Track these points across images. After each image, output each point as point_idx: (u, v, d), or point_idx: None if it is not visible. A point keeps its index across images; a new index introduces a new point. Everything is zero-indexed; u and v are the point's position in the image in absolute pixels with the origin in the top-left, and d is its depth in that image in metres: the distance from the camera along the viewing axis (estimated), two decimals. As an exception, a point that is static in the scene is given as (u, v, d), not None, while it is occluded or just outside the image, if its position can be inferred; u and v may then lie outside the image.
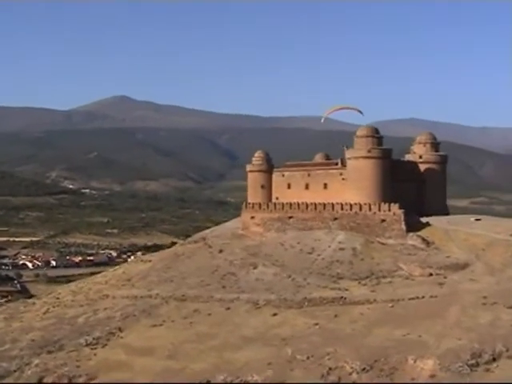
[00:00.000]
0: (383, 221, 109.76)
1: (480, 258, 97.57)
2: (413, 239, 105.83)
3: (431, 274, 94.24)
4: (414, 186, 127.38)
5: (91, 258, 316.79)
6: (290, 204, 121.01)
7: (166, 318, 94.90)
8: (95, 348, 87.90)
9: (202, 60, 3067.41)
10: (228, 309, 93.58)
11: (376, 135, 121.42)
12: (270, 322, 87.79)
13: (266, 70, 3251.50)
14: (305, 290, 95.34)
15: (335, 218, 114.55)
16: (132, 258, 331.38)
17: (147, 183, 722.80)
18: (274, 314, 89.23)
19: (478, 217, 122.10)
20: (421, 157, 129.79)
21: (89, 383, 77.34)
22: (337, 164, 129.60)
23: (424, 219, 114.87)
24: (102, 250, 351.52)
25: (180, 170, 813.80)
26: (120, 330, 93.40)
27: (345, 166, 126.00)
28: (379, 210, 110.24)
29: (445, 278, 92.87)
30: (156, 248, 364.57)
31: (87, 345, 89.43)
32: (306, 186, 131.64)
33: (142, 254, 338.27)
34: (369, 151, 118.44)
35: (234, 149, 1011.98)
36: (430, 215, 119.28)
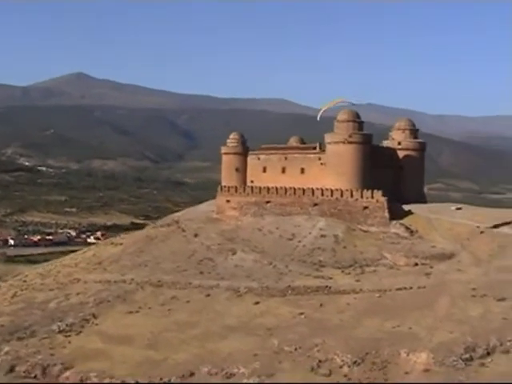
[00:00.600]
0: (365, 208, 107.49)
1: (465, 248, 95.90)
2: (396, 227, 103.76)
3: (416, 264, 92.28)
4: (392, 173, 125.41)
5: (50, 237, 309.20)
6: (268, 188, 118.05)
7: (143, 304, 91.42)
8: (69, 335, 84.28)
9: (162, 39, 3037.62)
10: (208, 296, 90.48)
11: (357, 120, 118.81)
12: (253, 310, 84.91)
13: (225, 51, 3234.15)
14: (287, 278, 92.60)
15: (315, 204, 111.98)
16: (92, 238, 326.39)
17: (104, 162, 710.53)
18: (257, 303, 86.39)
19: (458, 205, 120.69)
20: (399, 143, 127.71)
21: None
22: (315, 148, 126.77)
23: (405, 207, 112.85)
24: (61, 229, 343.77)
25: (138, 149, 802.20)
26: (94, 316, 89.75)
27: (323, 150, 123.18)
28: (361, 196, 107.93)
29: (431, 268, 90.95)
30: (116, 228, 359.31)
31: (60, 331, 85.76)
32: (283, 170, 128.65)
33: (102, 235, 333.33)
34: (350, 136, 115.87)
35: (192, 129, 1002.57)
36: (408, 203, 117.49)
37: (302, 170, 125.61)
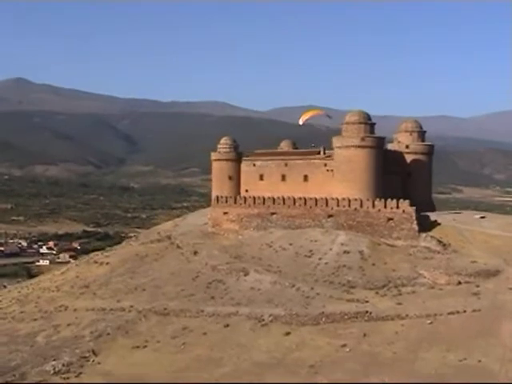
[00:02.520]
0: (390, 219, 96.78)
1: (510, 263, 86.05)
2: (426, 241, 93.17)
3: (460, 283, 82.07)
4: (399, 179, 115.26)
5: (1, 248, 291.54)
6: (273, 198, 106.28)
7: (149, 337, 79.38)
8: (67, 377, 72.14)
9: (102, 43, 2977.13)
10: (227, 326, 78.70)
11: (369, 121, 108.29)
12: (284, 343, 73.76)
13: (165, 54, 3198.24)
14: (316, 303, 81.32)
15: (330, 216, 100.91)
16: (44, 248, 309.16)
17: (47, 168, 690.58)
18: (287, 333, 75.24)
19: (482, 214, 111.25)
20: (407, 147, 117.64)
21: None
22: (319, 153, 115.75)
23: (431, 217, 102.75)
24: (11, 239, 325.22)
25: (80, 154, 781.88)
26: (94, 353, 77.44)
27: (328, 155, 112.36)
28: (385, 206, 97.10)
29: (477, 287, 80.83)
30: (68, 237, 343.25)
31: (56, 373, 74.05)
32: (283, 178, 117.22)
33: (55, 244, 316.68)
34: (362, 139, 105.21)
35: (133, 133, 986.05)
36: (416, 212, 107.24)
37: (305, 178, 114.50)
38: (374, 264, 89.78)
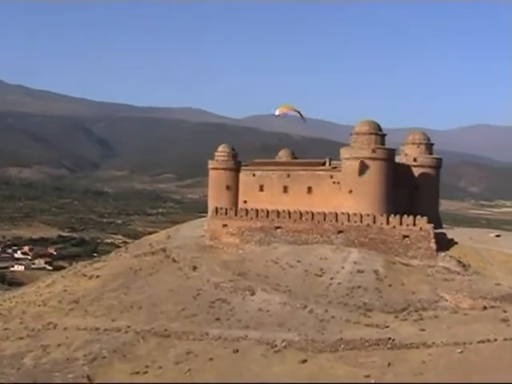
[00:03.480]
0: (406, 237, 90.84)
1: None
2: (445, 260, 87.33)
3: (485, 307, 76.25)
4: (406, 193, 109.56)
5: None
6: (278, 211, 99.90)
7: (150, 362, 72.60)
8: (61, 406, 64.50)
9: (77, 45, 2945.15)
10: (236, 352, 71.81)
11: (379, 132, 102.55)
12: (301, 371, 67.42)
13: (140, 60, 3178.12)
14: (332, 327, 75.05)
15: (339, 231, 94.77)
16: (19, 252, 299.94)
17: (21, 170, 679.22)
18: (303, 361, 68.87)
19: (497, 232, 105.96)
20: (415, 159, 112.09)
21: None
22: (323, 164, 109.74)
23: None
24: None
25: (54, 157, 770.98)
26: (89, 378, 70.59)
27: (335, 167, 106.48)
28: (400, 223, 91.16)
29: (505, 312, 75.24)
30: (43, 241, 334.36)
31: (47, 400, 65.75)
32: (285, 189, 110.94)
33: (30, 249, 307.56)
34: (373, 151, 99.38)
35: (108, 138, 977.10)
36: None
37: (309, 190, 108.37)
38: (390, 285, 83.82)
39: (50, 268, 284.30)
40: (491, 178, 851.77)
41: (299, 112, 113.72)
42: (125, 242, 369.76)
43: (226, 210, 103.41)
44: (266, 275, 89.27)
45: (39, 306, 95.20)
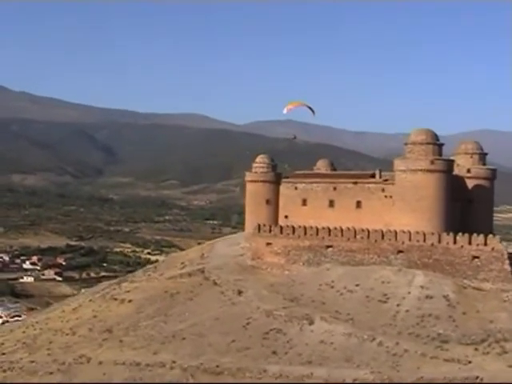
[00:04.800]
0: (475, 258, 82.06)
1: None
2: (523, 285, 78.52)
3: None
4: (459, 207, 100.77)
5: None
6: (329, 229, 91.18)
7: (204, 405, 63.55)
8: None
9: (79, 53, 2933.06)
10: (303, 393, 62.99)
11: (437, 142, 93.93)
12: (382, 418, 58.21)
13: (144, 65, 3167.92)
14: (407, 363, 66.44)
15: (399, 251, 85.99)
16: (28, 263, 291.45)
17: (25, 177, 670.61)
18: (382, 405, 59.64)
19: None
20: (469, 170, 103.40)
21: None
22: (373, 176, 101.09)
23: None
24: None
25: (58, 164, 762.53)
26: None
27: (386, 179, 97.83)
28: (469, 243, 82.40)
29: None
30: (52, 251, 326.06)
31: None
32: (330, 203, 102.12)
33: (38, 259, 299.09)
34: (432, 162, 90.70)
35: (112, 144, 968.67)
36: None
37: (358, 204, 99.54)
38: (464, 313, 75.05)
39: (60, 279, 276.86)
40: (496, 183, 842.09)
41: (308, 106, 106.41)
42: (134, 251, 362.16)
43: (270, 226, 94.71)
44: (322, 301, 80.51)
45: (67, 334, 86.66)
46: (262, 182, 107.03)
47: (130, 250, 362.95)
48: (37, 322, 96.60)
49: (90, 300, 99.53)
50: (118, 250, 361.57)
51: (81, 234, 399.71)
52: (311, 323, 75.43)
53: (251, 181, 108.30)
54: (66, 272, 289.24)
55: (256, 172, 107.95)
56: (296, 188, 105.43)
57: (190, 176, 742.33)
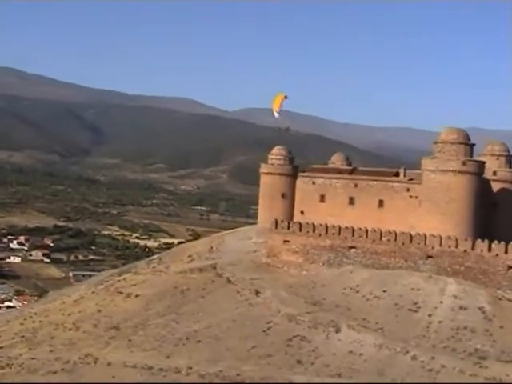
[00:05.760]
0: (511, 268, 77.24)
1: None
2: None
3: None
4: (483, 211, 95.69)
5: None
6: (353, 229, 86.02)
7: (224, 417, 58.36)
8: None
9: (69, 30, 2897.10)
10: (333, 409, 57.97)
11: (469, 142, 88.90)
12: None
13: (135, 47, 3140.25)
14: (444, 379, 61.62)
15: (428, 256, 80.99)
16: (15, 242, 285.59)
17: (11, 153, 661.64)
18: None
19: None
20: (495, 173, 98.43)
21: None
22: (397, 174, 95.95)
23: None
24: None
25: (45, 142, 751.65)
26: None
27: (411, 179, 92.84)
28: (505, 251, 77.59)
29: None
30: (39, 231, 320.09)
31: None
32: (351, 201, 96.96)
33: (26, 240, 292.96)
34: (463, 163, 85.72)
35: (99, 124, 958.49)
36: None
37: (381, 203, 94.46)
38: (502, 326, 70.36)
39: (48, 261, 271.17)
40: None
41: (286, 96, 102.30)
42: (122, 235, 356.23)
43: (289, 223, 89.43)
44: (348, 307, 75.51)
45: (70, 329, 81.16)
46: (278, 174, 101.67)
47: (118, 234, 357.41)
48: (35, 314, 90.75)
49: (93, 292, 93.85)
50: (105, 232, 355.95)
51: (68, 215, 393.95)
52: (338, 331, 70.48)
53: (267, 173, 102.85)
54: (54, 253, 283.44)
55: (272, 164, 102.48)
56: (314, 183, 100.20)
57: (178, 160, 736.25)
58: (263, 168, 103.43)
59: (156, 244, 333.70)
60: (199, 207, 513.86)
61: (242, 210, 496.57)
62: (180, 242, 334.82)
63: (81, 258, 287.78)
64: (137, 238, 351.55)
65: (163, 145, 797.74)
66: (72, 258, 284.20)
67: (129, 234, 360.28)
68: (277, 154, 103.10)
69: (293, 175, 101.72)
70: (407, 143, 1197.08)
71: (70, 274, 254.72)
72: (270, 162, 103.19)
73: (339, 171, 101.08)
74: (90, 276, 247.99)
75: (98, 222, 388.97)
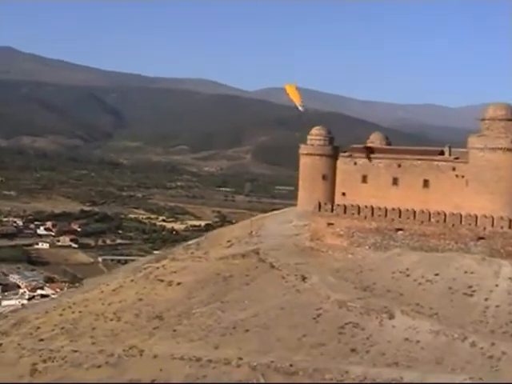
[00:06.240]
0: None
1: None
2: None
3: None
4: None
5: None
6: (400, 210, 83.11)
7: (281, 412, 56.20)
8: None
9: (90, 15, 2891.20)
10: (393, 400, 55.49)
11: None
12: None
13: (154, 29, 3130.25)
14: (507, 367, 58.59)
15: (480, 238, 77.97)
16: (42, 228, 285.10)
17: (35, 139, 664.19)
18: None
19: None
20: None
21: None
22: (442, 153, 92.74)
23: None
24: (5, 217, 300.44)
25: (67, 127, 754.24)
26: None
27: (457, 157, 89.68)
28: None
29: None
30: (66, 217, 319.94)
31: None
32: (394, 181, 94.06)
33: (53, 225, 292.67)
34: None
35: (121, 108, 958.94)
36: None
37: (426, 183, 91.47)
38: None
39: (76, 246, 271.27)
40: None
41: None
42: (149, 218, 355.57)
43: (333, 205, 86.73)
44: (399, 292, 72.87)
45: (111, 320, 78.92)
46: (318, 155, 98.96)
47: (144, 217, 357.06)
48: (74, 304, 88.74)
49: (132, 280, 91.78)
50: (132, 216, 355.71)
51: (93, 199, 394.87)
52: (391, 317, 67.82)
53: (307, 154, 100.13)
54: (82, 239, 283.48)
55: (312, 145, 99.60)
56: (355, 163, 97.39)
57: (200, 142, 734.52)
58: (303, 149, 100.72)
59: (183, 226, 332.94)
60: (223, 188, 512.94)
61: (267, 191, 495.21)
62: (207, 224, 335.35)
63: (108, 242, 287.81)
64: (163, 220, 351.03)
65: (184, 126, 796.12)
66: (100, 242, 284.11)
67: (155, 217, 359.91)
68: (316, 134, 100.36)
69: (333, 156, 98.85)
70: (430, 120, 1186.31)
71: (99, 259, 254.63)
72: (309, 142, 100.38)
73: (382, 151, 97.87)
74: (118, 261, 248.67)
75: (123, 205, 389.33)
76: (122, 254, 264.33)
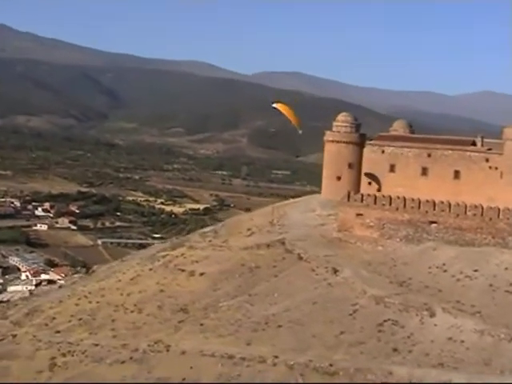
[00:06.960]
0: None
1: None
2: None
3: None
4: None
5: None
6: (434, 202, 79.94)
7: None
8: None
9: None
10: (441, 404, 52.66)
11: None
12: None
13: (150, 10, 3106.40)
14: (557, 371, 55.71)
15: (519, 233, 75.01)
16: (40, 209, 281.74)
17: (29, 118, 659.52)
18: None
19: None
20: None
21: None
22: (474, 144, 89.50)
23: None
24: (2, 197, 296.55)
25: (62, 106, 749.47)
26: None
27: (489, 148, 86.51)
28: None
29: None
30: (63, 198, 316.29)
31: None
32: (424, 172, 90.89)
33: (51, 207, 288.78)
34: (553, 132, 79.34)
35: (116, 88, 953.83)
36: None
37: (457, 174, 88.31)
38: None
39: (75, 228, 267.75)
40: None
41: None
42: (147, 201, 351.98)
43: (362, 195, 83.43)
44: (438, 288, 69.78)
45: (132, 311, 75.54)
46: (344, 143, 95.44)
47: (142, 199, 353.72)
48: (90, 293, 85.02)
49: (150, 269, 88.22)
50: (130, 198, 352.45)
51: (90, 181, 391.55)
52: (432, 315, 64.75)
53: (332, 141, 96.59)
54: (80, 220, 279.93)
55: (338, 132, 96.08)
56: (383, 152, 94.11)
57: (195, 124, 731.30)
58: (328, 135, 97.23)
59: (182, 210, 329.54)
60: (220, 172, 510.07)
61: (264, 175, 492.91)
62: (206, 208, 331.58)
63: (107, 224, 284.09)
64: (161, 203, 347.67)
65: (180, 109, 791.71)
66: (99, 225, 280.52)
67: (153, 199, 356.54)
68: (342, 120, 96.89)
69: (360, 144, 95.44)
70: (427, 108, 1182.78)
71: (99, 241, 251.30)
72: (334, 129, 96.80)
73: (411, 139, 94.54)
74: (118, 244, 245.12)
75: (121, 187, 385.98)
76: (121, 237, 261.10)
